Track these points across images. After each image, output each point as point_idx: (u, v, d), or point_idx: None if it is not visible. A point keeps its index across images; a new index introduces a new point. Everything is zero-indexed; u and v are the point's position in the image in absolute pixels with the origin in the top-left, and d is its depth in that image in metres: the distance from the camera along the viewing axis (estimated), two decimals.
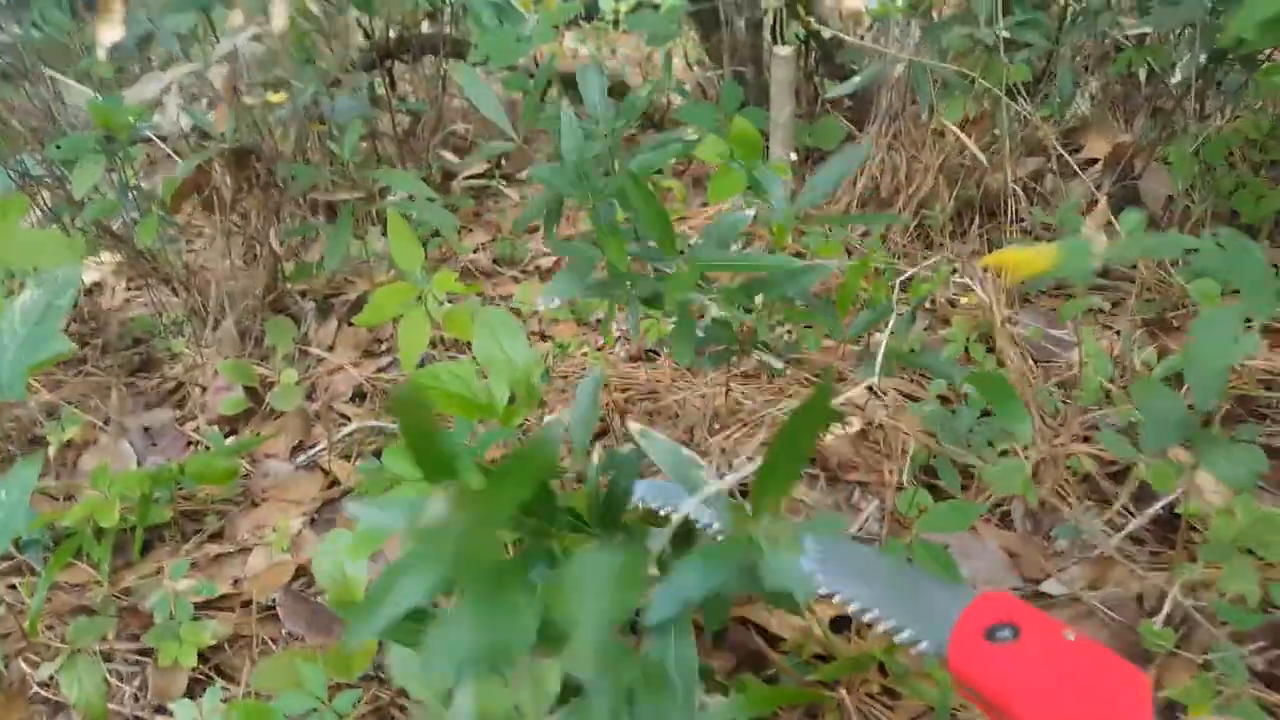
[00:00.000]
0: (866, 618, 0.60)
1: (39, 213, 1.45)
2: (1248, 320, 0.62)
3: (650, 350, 1.45)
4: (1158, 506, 1.01)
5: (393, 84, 2.13)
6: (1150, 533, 1.01)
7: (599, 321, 1.58)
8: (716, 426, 1.24)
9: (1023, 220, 1.48)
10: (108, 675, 0.95)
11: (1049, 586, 0.97)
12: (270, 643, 1.01)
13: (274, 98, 1.33)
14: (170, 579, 1.03)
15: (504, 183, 2.14)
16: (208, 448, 1.28)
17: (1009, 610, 0.54)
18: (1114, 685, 0.48)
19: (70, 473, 1.31)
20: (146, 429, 1.40)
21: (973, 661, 0.52)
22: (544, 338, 1.53)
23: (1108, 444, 0.88)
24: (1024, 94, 1.47)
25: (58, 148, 1.25)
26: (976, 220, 1.59)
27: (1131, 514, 1.04)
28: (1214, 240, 0.64)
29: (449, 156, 2.11)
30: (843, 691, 0.83)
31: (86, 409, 1.42)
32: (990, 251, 1.56)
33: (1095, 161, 1.63)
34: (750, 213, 0.98)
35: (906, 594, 0.60)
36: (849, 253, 1.51)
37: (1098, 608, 0.93)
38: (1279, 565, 0.87)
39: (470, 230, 1.99)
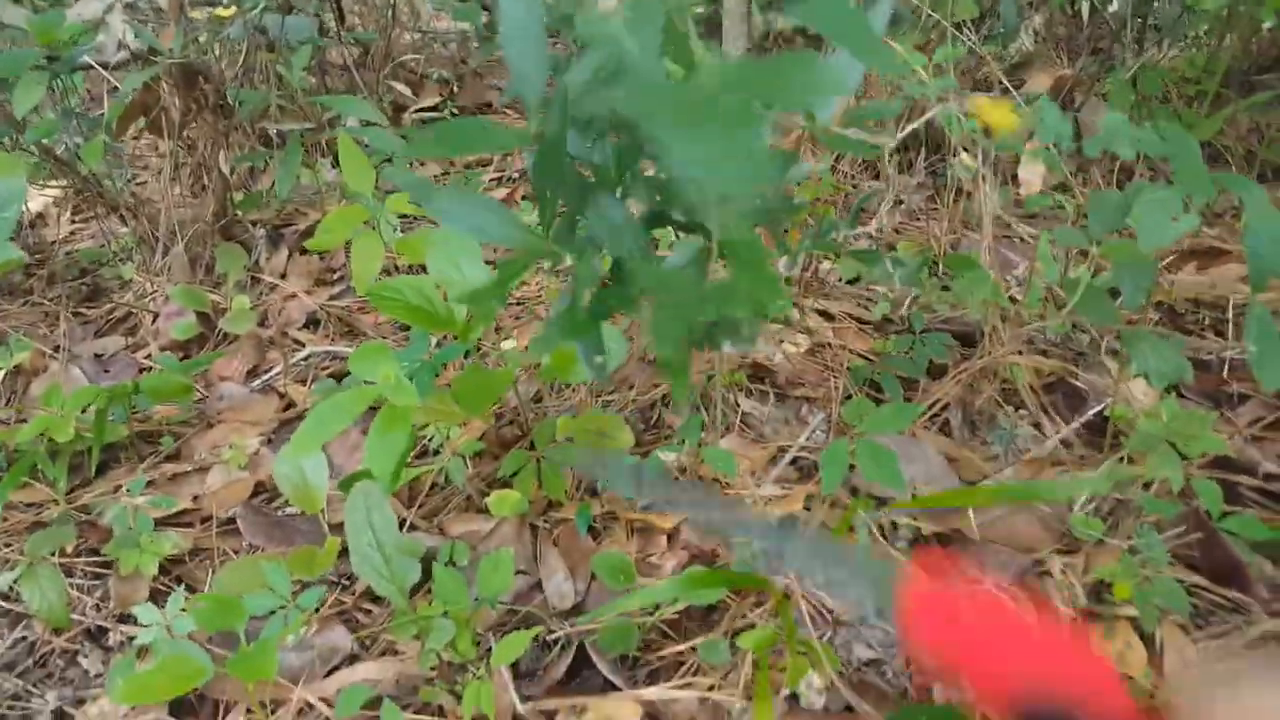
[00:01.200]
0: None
1: None
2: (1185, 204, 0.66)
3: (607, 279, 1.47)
4: (1089, 414, 1.07)
5: (341, 15, 2.09)
6: (1080, 438, 1.06)
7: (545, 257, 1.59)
8: None
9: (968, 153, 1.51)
10: (68, 587, 0.96)
11: (985, 486, 1.02)
12: (231, 554, 1.03)
13: (222, 12, 1.31)
14: (129, 494, 1.04)
15: (455, 115, 2.13)
16: (160, 371, 1.27)
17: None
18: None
19: (20, 399, 1.30)
20: (97, 356, 1.39)
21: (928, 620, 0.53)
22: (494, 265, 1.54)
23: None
24: (970, 28, 1.50)
25: None
26: (923, 153, 1.62)
27: (1062, 420, 1.09)
28: (1155, 130, 0.67)
29: (400, 88, 2.09)
30: (791, 581, 0.87)
31: (34, 337, 1.40)
32: (934, 184, 1.61)
33: (1038, 96, 1.66)
34: None
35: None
36: (799, 182, 1.53)
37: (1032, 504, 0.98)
38: (1195, 460, 0.93)
39: (423, 163, 1.98)
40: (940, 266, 1.32)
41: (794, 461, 1.08)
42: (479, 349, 1.28)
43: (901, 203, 1.52)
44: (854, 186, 1.60)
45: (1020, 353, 1.13)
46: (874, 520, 0.96)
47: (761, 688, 0.74)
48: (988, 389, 1.11)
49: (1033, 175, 1.26)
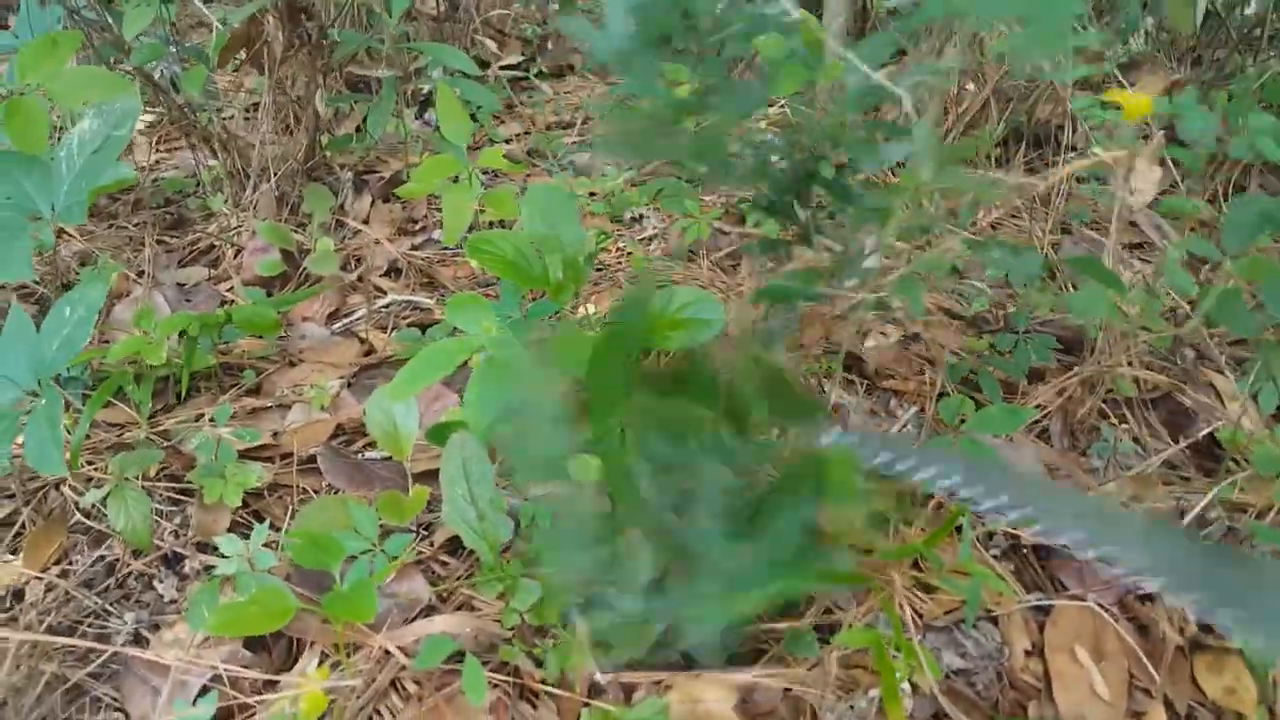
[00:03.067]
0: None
1: (79, 56, 1.42)
2: None
3: (690, 251, 1.44)
4: (1198, 434, 1.03)
5: None
6: (1185, 457, 1.02)
7: (634, 219, 1.57)
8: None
9: (1073, 150, 1.47)
10: (151, 509, 0.96)
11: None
12: (311, 493, 1.02)
13: None
14: (214, 424, 1.04)
15: (540, 75, 2.11)
16: (251, 304, 1.27)
17: None
18: None
19: (103, 320, 1.30)
20: (180, 285, 1.39)
21: None
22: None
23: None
24: (1087, 24, 1.45)
25: None
26: (1023, 148, 1.57)
27: (1165, 438, 1.05)
28: None
29: (487, 43, 2.07)
30: (892, 574, 0.84)
31: (119, 261, 1.41)
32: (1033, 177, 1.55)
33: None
34: None
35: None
36: (892, 170, 1.49)
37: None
38: None
39: (503, 121, 1.96)
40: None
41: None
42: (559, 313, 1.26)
43: (999, 204, 1.48)
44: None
45: (1130, 364, 1.09)
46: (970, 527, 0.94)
47: (888, 686, 0.72)
48: (1091, 399, 1.08)
49: (1148, 183, 1.21)
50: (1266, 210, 0.84)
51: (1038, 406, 1.08)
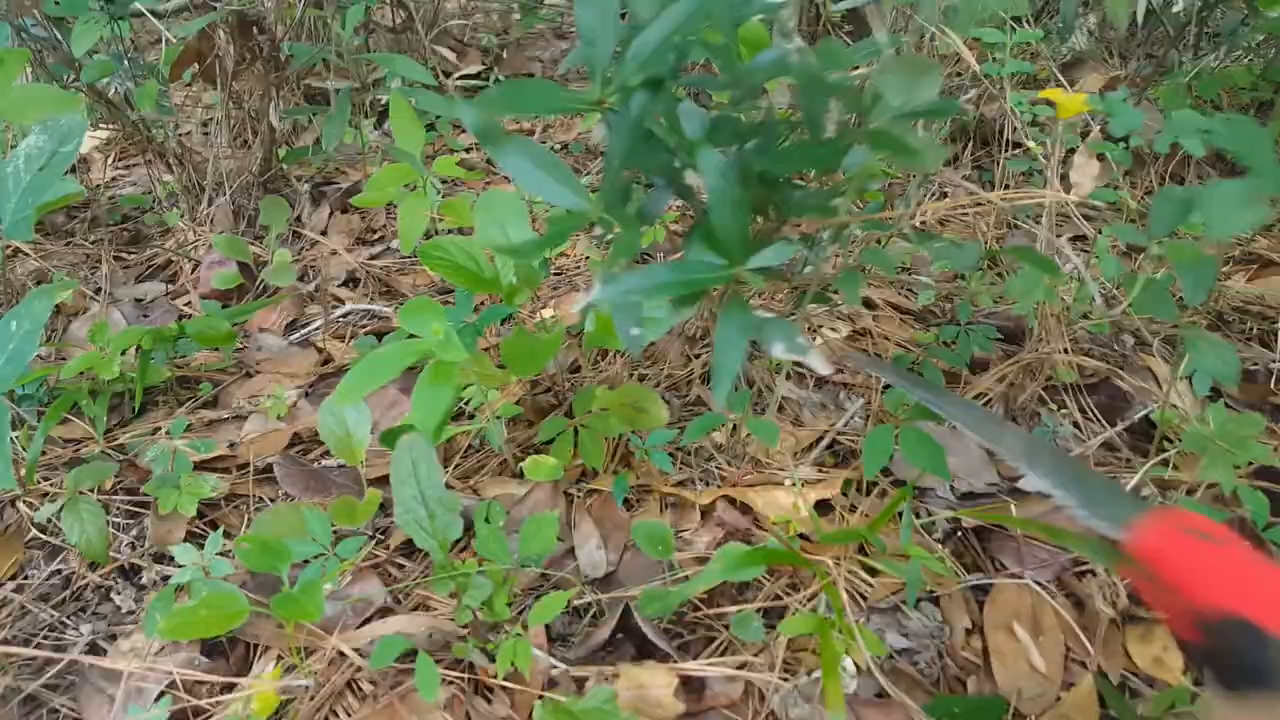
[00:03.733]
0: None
1: (35, 75, 1.42)
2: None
3: (645, 253, 1.46)
4: (1134, 417, 1.06)
5: None
6: (1123, 440, 1.05)
7: (592, 223, 1.58)
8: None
9: (1018, 148, 1.50)
10: (105, 521, 0.97)
11: (1024, 484, 1.02)
12: (268, 501, 1.03)
13: None
14: (169, 436, 1.04)
15: (500, 82, 2.12)
16: (204, 315, 1.28)
17: (1204, 524, 0.58)
18: None
19: (60, 337, 1.31)
20: (138, 300, 1.40)
21: (1166, 551, 0.57)
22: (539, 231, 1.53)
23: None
24: (1026, 24, 1.48)
25: (56, 3, 1.22)
26: (970, 146, 1.61)
27: (1104, 422, 1.09)
28: (1224, 120, 0.66)
29: (445, 53, 2.09)
30: (829, 561, 0.86)
31: (76, 279, 1.41)
32: (980, 180, 1.59)
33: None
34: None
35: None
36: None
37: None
38: (1241, 469, 0.92)
39: (462, 130, 1.97)
40: (987, 260, 1.31)
41: (831, 446, 1.08)
42: (518, 316, 1.27)
43: (946, 195, 1.51)
44: (899, 175, 1.58)
45: (1065, 350, 1.12)
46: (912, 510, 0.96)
47: (828, 666, 0.74)
48: (1031, 386, 1.11)
49: (1085, 176, 1.25)
50: (1186, 199, 0.87)
51: (980, 395, 1.11)
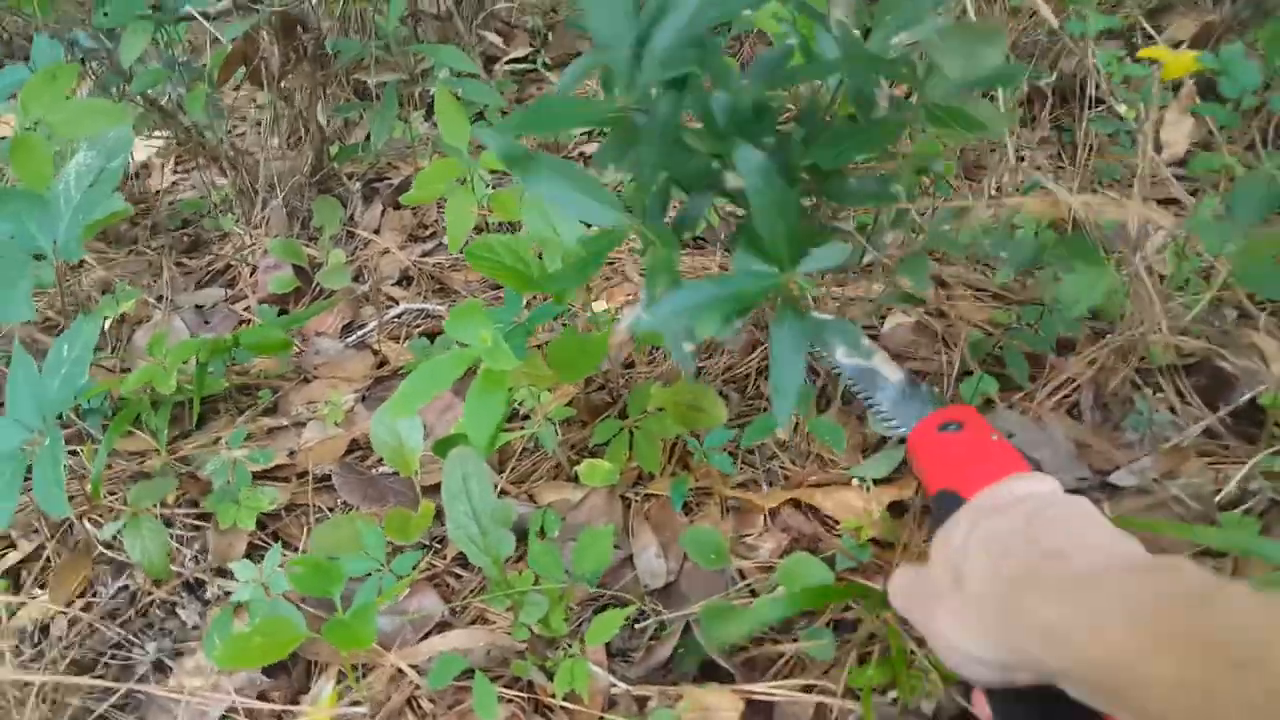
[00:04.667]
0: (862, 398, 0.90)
1: (88, 86, 1.43)
2: None
3: (698, 237, 1.41)
4: (1239, 400, 0.98)
5: None
6: (1226, 427, 0.97)
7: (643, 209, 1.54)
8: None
9: (1101, 105, 1.40)
10: (168, 538, 0.97)
11: (1118, 478, 0.94)
12: (326, 511, 1.02)
13: None
14: (228, 447, 1.04)
15: (547, 67, 2.08)
16: (259, 325, 1.28)
17: (963, 415, 0.77)
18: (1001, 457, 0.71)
19: (125, 347, 1.32)
20: (198, 307, 1.40)
21: (921, 443, 0.78)
22: (587, 225, 1.49)
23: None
24: None
25: (105, 14, 1.22)
26: (1048, 105, 1.51)
27: (1207, 408, 1.00)
28: None
29: (492, 38, 2.05)
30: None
31: (139, 286, 1.42)
32: (1060, 140, 1.50)
33: (1180, 44, 1.53)
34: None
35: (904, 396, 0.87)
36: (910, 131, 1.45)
37: (1178, 496, 0.90)
38: None
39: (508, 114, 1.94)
40: (1069, 231, 1.23)
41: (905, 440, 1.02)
42: (570, 310, 1.24)
43: (1023, 159, 1.42)
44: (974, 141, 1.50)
45: (1158, 330, 1.04)
46: None
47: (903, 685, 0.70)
48: (1123, 369, 1.03)
49: (1179, 135, 1.15)
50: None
51: (1068, 380, 1.04)
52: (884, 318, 1.19)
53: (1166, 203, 1.25)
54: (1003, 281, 1.21)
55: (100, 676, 0.85)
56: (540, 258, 1.02)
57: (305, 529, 1.00)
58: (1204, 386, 1.02)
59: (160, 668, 0.88)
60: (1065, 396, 1.04)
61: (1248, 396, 0.96)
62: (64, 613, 0.92)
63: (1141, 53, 0.88)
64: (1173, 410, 1.01)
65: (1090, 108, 1.38)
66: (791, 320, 0.60)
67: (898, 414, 0.86)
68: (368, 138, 1.70)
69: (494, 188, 1.25)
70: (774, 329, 0.60)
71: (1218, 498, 0.89)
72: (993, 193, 1.33)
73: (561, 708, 0.78)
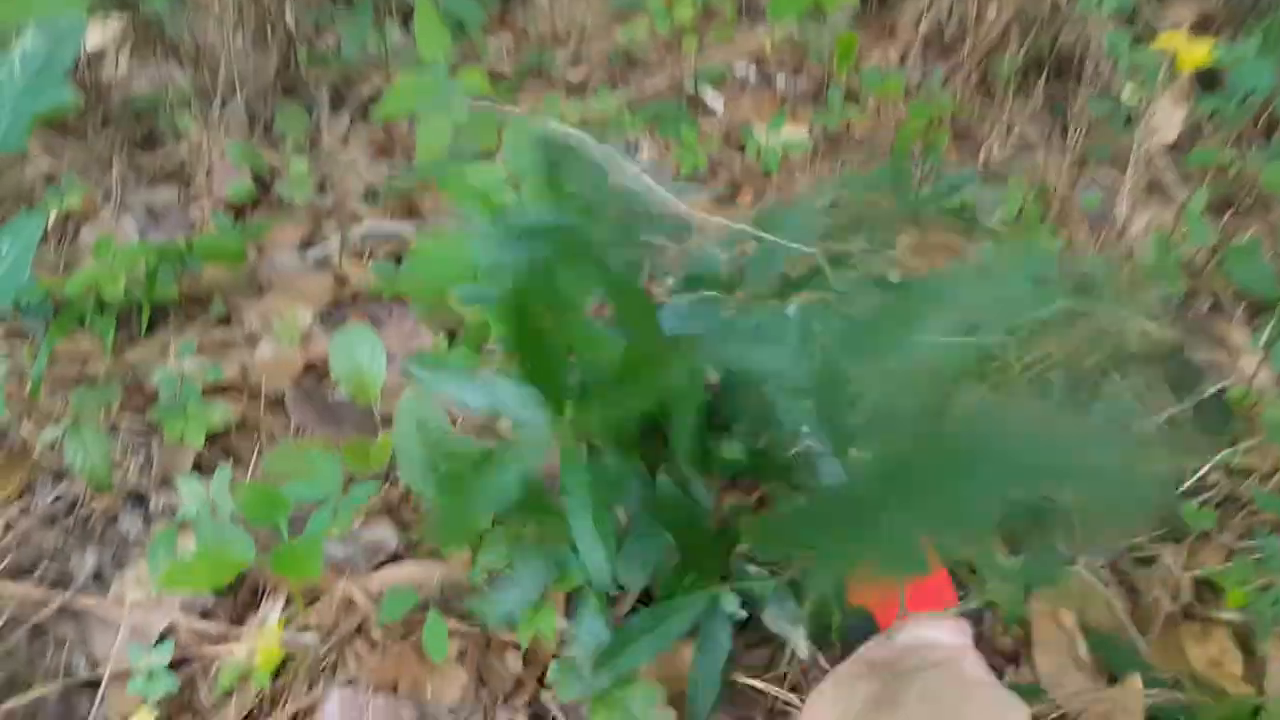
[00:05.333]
0: None
1: None
2: None
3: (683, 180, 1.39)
4: (1206, 392, 0.99)
5: None
6: (1187, 418, 0.98)
7: (628, 146, 1.50)
8: None
9: (1099, 78, 1.39)
10: (112, 447, 0.93)
11: None
12: (279, 431, 0.99)
13: None
14: (178, 357, 1.00)
15: None
16: (214, 233, 1.22)
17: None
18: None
19: (70, 244, 1.26)
20: (149, 208, 1.34)
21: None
22: None
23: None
24: None
25: None
26: (1044, 77, 1.50)
27: (1172, 398, 1.01)
28: None
29: None
30: None
31: (87, 181, 1.35)
32: (1052, 117, 1.48)
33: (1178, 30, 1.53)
34: None
35: None
36: (907, 94, 1.43)
37: None
38: None
39: (493, 34, 1.87)
40: (1055, 209, 1.23)
41: None
42: None
43: (1013, 130, 1.41)
44: (965, 105, 1.48)
45: (1135, 314, 1.05)
46: None
47: None
48: (1096, 352, 1.04)
49: (1170, 122, 1.15)
50: None
51: (1041, 358, 1.05)
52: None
53: (1151, 188, 1.25)
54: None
55: (38, 582, 0.82)
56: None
57: (256, 449, 0.97)
58: (1172, 376, 1.03)
59: (100, 578, 0.86)
60: (1039, 374, 1.05)
61: (1215, 389, 0.98)
62: None
63: (1159, 40, 0.87)
64: (1139, 398, 1.02)
65: (1088, 85, 1.38)
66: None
67: None
68: (339, 44, 1.63)
69: (474, 107, 1.21)
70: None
71: (1178, 488, 0.90)
72: (981, 164, 1.33)
73: (514, 646, 0.78)
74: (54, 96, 0.86)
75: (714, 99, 1.55)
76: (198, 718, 0.76)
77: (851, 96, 1.43)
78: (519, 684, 0.77)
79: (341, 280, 1.20)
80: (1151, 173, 1.20)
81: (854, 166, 1.34)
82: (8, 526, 0.88)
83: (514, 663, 0.78)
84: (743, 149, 1.41)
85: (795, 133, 1.39)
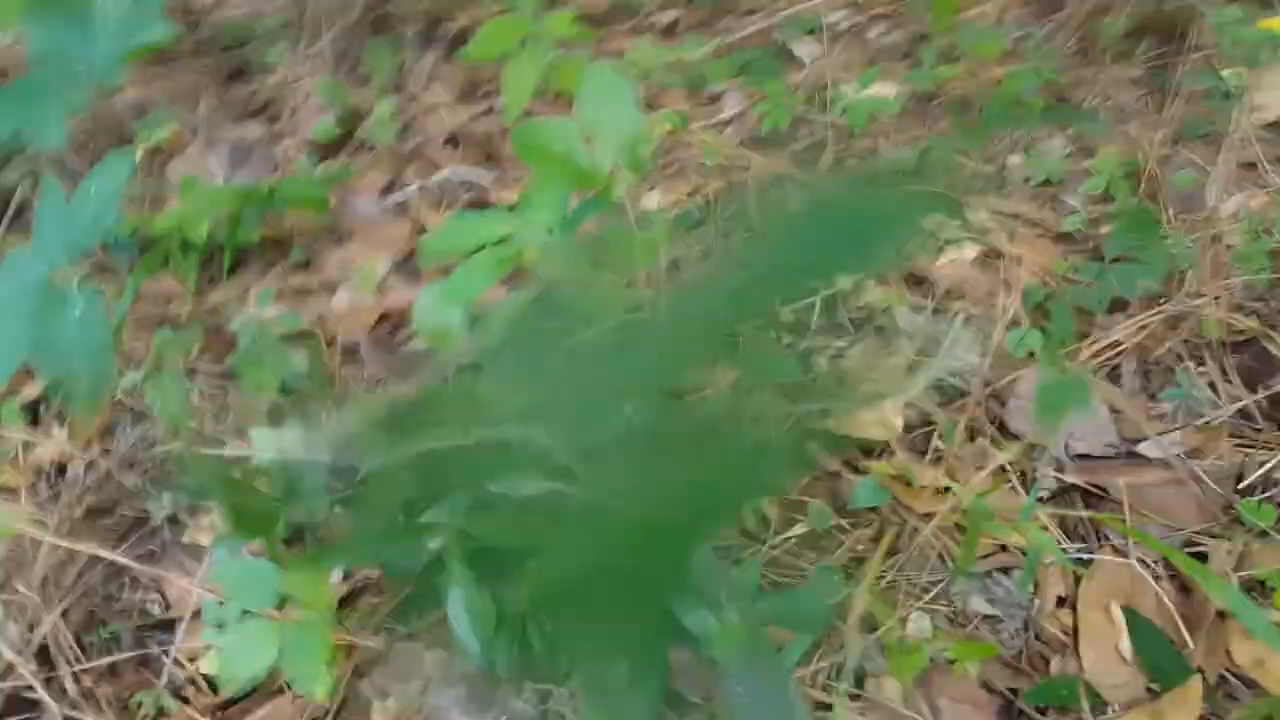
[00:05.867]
0: None
1: None
2: None
3: (763, 138, 1.35)
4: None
5: None
6: (1262, 411, 0.94)
7: (713, 97, 1.47)
8: None
9: (1202, 49, 1.31)
10: (191, 391, 0.97)
11: (1146, 448, 0.93)
12: (352, 381, 1.02)
13: None
14: (259, 304, 1.03)
15: None
16: (297, 177, 1.24)
17: None
18: None
19: (158, 177, 1.29)
20: (236, 143, 1.36)
21: None
22: (651, 107, 1.43)
23: None
24: None
25: None
26: (1147, 44, 1.41)
27: (1246, 389, 0.97)
28: None
29: None
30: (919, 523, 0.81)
31: (176, 113, 1.38)
32: (1152, 84, 1.40)
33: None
34: None
35: None
36: (1004, 57, 1.36)
37: (1197, 475, 0.88)
38: None
39: None
40: (1143, 185, 1.17)
41: (938, 383, 1.00)
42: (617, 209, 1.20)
43: (1109, 99, 1.34)
44: (1064, 67, 1.41)
45: (1217, 300, 1.00)
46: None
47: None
48: (1171, 339, 1.00)
49: (1271, 103, 1.09)
50: None
51: (1113, 344, 1.01)
52: (941, 250, 1.14)
53: (1247, 167, 1.17)
54: (1072, 227, 1.16)
55: (116, 524, 0.87)
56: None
57: (330, 398, 1.00)
58: (1248, 367, 0.99)
59: (175, 522, 0.90)
60: (1108, 359, 1.01)
61: None
62: (81, 456, 0.93)
63: (1268, 20, 0.81)
64: (1213, 387, 0.98)
65: (1190, 55, 1.29)
66: None
67: None
68: None
69: (565, 50, 1.19)
70: None
71: (1240, 483, 0.87)
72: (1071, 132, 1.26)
73: None
74: (150, 32, 0.88)
75: (804, 49, 1.50)
76: None
77: (946, 57, 1.37)
78: None
79: (419, 229, 1.21)
80: (1248, 154, 1.13)
81: (943, 131, 1.29)
82: (88, 467, 0.93)
83: None
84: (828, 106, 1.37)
85: (884, 91, 1.34)
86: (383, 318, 1.09)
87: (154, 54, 1.53)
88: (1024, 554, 0.83)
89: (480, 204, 1.24)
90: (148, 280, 1.08)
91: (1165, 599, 0.80)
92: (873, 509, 0.88)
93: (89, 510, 0.89)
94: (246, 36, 1.57)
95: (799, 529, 0.85)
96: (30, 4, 1.02)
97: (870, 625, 0.80)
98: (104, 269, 1.11)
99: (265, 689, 0.79)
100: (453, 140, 1.36)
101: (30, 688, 0.75)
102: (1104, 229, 1.14)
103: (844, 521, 0.87)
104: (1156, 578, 0.82)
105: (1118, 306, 1.05)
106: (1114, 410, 0.96)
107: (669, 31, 1.60)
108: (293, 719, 0.76)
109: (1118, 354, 1.01)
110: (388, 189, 1.28)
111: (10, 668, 0.76)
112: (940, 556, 0.85)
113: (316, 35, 1.46)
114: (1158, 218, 1.10)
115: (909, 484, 0.89)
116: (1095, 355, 1.02)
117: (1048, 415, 0.81)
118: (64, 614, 0.81)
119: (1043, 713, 0.75)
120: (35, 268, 0.87)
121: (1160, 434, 0.94)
